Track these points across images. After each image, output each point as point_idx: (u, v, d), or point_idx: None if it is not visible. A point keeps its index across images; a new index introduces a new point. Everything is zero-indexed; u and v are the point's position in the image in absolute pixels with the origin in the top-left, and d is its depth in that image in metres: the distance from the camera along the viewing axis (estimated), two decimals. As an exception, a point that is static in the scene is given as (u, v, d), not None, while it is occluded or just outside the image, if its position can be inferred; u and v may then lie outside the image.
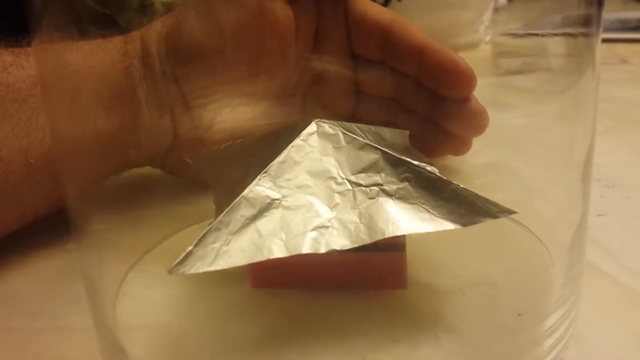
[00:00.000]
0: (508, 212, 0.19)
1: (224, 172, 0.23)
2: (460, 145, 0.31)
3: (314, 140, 0.21)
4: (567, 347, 0.19)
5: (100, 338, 0.20)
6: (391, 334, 0.20)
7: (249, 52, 0.29)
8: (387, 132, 0.24)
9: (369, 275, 0.22)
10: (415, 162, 0.20)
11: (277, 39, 0.29)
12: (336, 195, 0.19)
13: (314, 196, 0.19)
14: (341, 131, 0.21)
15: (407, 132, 0.25)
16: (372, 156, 0.20)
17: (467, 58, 0.28)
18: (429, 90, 0.29)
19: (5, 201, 0.27)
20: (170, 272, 0.16)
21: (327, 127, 0.21)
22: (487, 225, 0.19)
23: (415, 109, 0.31)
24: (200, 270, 0.17)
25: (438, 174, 0.20)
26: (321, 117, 0.23)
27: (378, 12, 0.30)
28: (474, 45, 0.35)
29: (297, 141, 0.20)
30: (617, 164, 0.35)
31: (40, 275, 0.26)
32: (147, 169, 0.30)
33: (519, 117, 0.30)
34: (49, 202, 0.28)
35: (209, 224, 0.19)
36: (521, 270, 0.22)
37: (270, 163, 0.20)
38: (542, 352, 0.19)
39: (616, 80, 0.53)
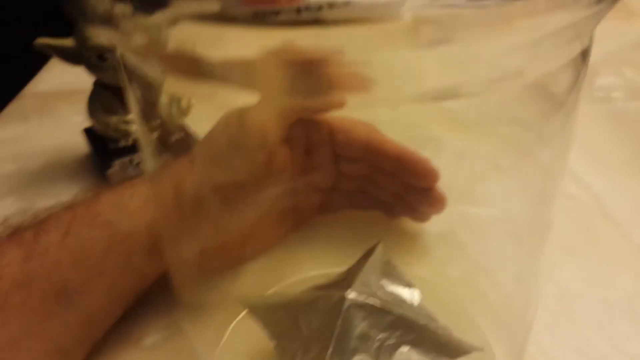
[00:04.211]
0: (476, 348, 0.32)
1: (274, 317, 0.34)
2: (422, 217, 0.42)
3: (353, 311, 0.32)
4: None
5: None
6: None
7: (256, 187, 0.38)
8: (376, 261, 0.35)
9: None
10: (422, 322, 0.32)
11: (277, 173, 0.38)
12: (375, 350, 0.31)
13: (363, 353, 0.31)
14: (367, 302, 0.32)
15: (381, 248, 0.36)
16: (391, 317, 0.32)
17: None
18: (399, 177, 0.40)
19: None
20: None
21: (359, 299, 0.32)
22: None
23: (386, 186, 0.42)
24: None
25: (421, 316, 0.33)
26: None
27: (357, 131, 0.40)
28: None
29: (343, 316, 0.32)
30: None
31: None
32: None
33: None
34: None
35: None
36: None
37: (316, 323, 0.32)
38: None
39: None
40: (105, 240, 0.35)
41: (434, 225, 0.42)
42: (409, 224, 0.43)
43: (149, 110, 0.32)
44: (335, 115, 0.39)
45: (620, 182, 0.48)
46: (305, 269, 0.40)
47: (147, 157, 0.32)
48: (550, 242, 0.36)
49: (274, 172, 0.38)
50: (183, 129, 0.38)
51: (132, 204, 0.36)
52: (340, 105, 0.35)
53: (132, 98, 0.29)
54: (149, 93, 0.32)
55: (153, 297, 0.38)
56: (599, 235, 0.44)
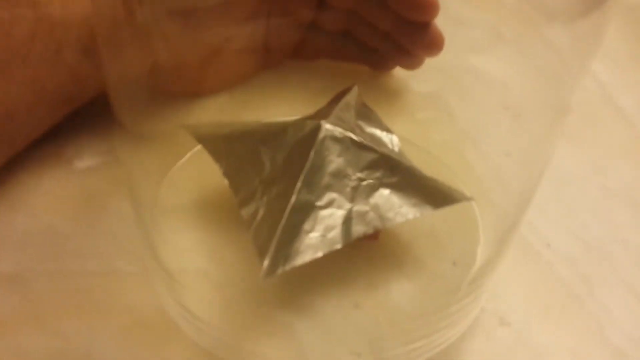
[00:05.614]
0: (466, 198, 0.27)
1: (230, 150, 0.28)
2: (414, 62, 0.36)
3: (329, 143, 0.27)
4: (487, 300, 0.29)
5: (158, 282, 0.26)
6: (371, 281, 0.28)
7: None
8: (352, 100, 0.30)
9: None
10: (406, 164, 0.27)
11: None
12: (351, 190, 0.26)
13: (336, 192, 0.26)
14: (346, 135, 0.27)
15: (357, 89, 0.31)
16: (371, 156, 0.27)
17: None
18: (392, 10, 0.33)
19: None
20: (263, 278, 0.23)
21: (336, 132, 0.27)
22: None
23: (375, 23, 0.35)
24: (281, 271, 0.23)
25: (404, 159, 0.28)
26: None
27: None
28: None
29: (316, 147, 0.26)
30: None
31: (65, 206, 0.30)
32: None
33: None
34: None
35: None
36: (457, 224, 0.30)
37: (281, 156, 0.27)
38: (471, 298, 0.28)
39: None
40: (30, 21, 0.28)
41: (421, 84, 0.37)
42: (392, 80, 0.38)
43: None
44: None
45: (628, 74, 0.43)
46: (269, 113, 0.34)
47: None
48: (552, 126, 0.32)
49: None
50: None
51: None
52: None
53: None
54: None
55: (92, 116, 0.33)
56: (602, 123, 0.40)
